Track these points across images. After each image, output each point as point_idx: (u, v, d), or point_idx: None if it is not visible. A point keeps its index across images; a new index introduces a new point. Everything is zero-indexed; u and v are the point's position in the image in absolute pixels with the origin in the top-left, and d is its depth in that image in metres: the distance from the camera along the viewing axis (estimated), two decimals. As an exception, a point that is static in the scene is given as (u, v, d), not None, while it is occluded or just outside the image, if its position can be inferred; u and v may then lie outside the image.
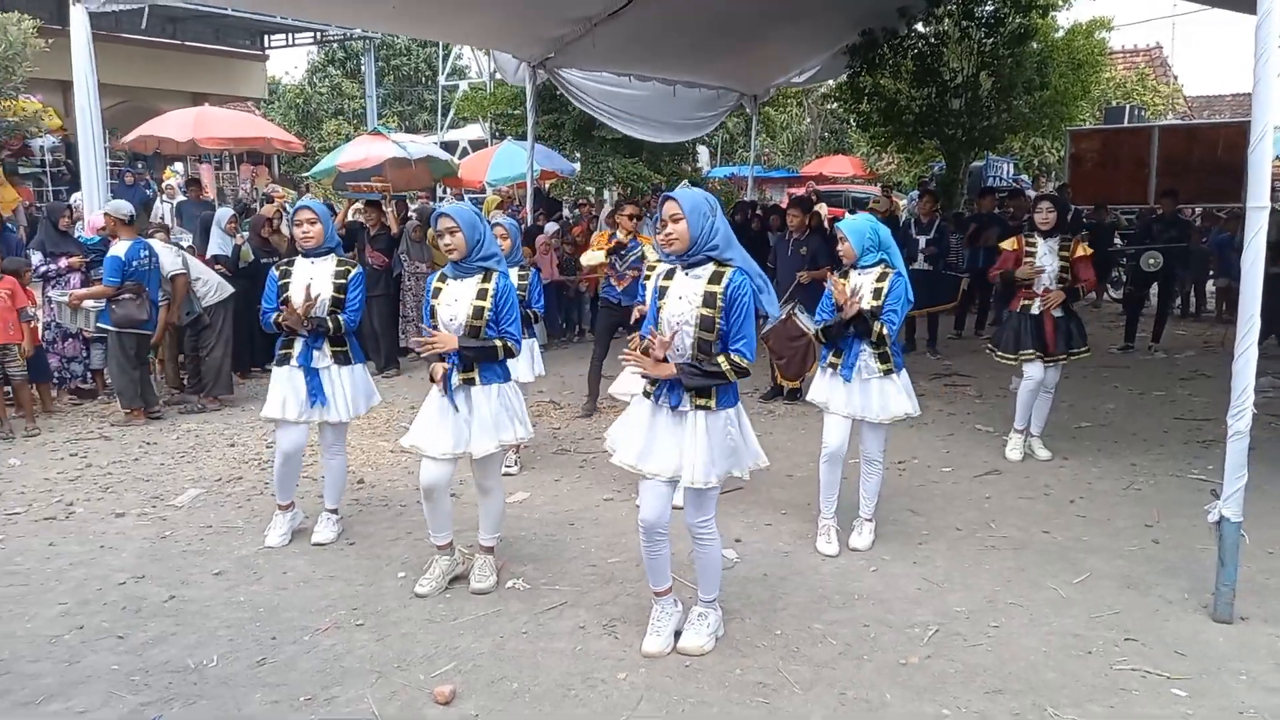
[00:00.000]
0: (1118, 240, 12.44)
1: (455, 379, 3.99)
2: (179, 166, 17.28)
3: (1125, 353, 9.84)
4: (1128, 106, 18.43)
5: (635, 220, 7.05)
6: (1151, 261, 9.56)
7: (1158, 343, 10.05)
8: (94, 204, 8.06)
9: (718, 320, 3.37)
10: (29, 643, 3.70)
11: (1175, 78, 27.15)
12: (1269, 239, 8.70)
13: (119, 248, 6.86)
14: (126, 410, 7.09)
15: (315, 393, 4.60)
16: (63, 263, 7.52)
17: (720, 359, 3.38)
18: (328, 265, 4.62)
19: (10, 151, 15.18)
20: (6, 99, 14.41)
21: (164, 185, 14.87)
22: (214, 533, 4.90)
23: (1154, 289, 10.58)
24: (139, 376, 7.12)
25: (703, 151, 20.31)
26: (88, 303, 7.08)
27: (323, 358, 4.63)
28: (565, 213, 13.97)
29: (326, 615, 3.95)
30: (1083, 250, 5.91)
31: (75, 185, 14.74)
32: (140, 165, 17.56)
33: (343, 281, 4.61)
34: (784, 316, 7.49)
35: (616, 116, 12.58)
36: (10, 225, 10.20)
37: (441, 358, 4.00)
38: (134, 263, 6.83)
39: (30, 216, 12.70)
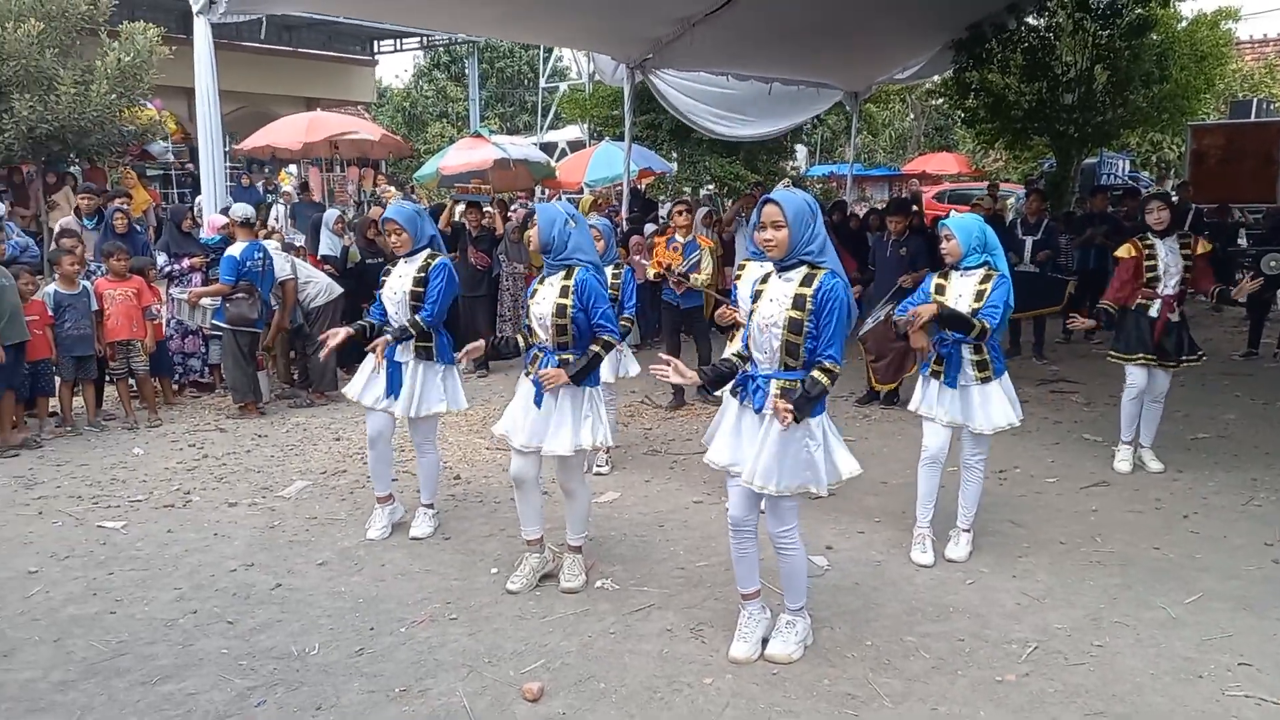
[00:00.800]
0: (1242, 240, 11.78)
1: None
2: (293, 169, 17.98)
3: (1248, 359, 9.32)
4: (1255, 100, 17.43)
5: (688, 219, 7.31)
6: (1274, 264, 9.03)
7: (1284, 349, 9.48)
8: (213, 206, 8.45)
9: (806, 323, 3.33)
10: (147, 625, 3.92)
11: (1310, 68, 25.53)
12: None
13: (235, 248, 7.21)
14: (239, 405, 7.43)
15: (392, 384, 4.72)
16: (185, 263, 7.91)
17: (817, 373, 3.32)
18: (414, 263, 4.74)
19: (133, 156, 16.03)
20: (134, 106, 15.23)
21: (280, 189, 15.51)
22: (318, 524, 5.10)
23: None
24: (251, 373, 7.45)
25: (800, 150, 20.07)
26: (204, 300, 7.47)
27: (405, 352, 4.75)
28: (662, 213, 14.01)
29: (422, 608, 4.06)
30: (1203, 247, 5.64)
31: (197, 189, 15.53)
32: (265, 169, 18.33)
33: (423, 275, 4.68)
34: (884, 318, 7.36)
35: (709, 118, 12.54)
36: (139, 226, 10.80)
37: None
38: (248, 263, 7.17)
39: (157, 218, 13.40)
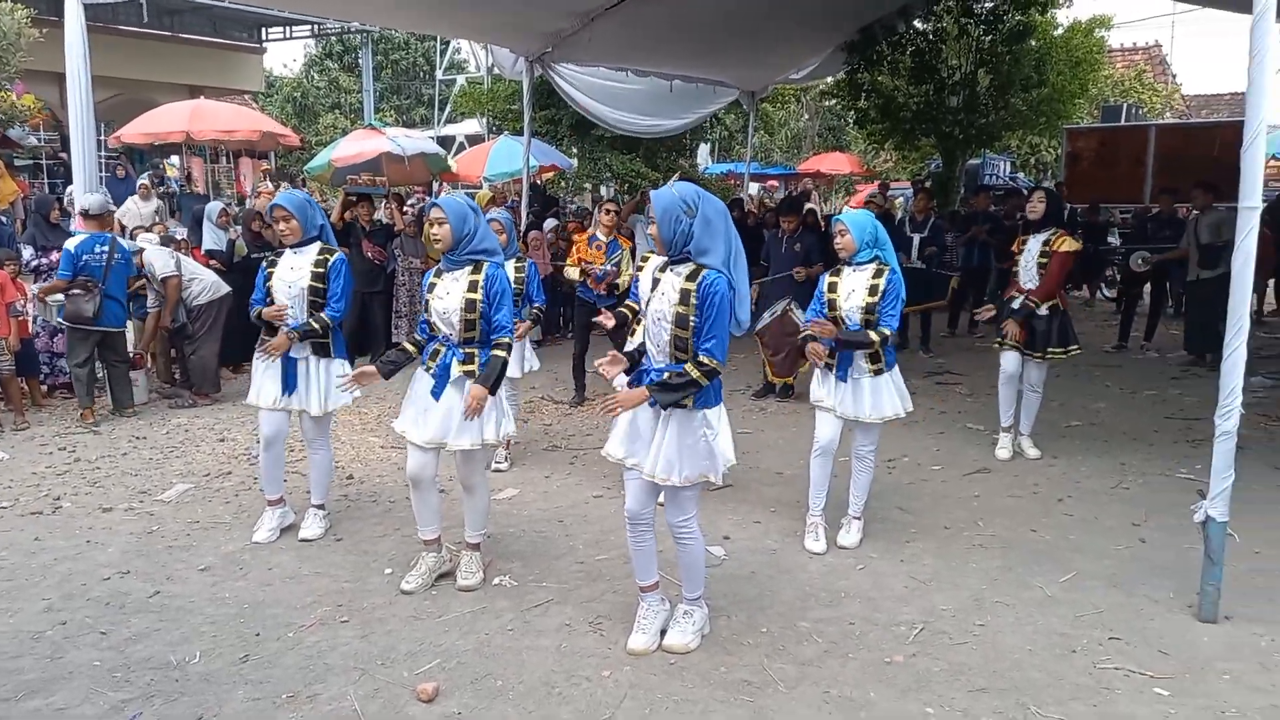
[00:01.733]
0: (1112, 239, 12.43)
1: (454, 370, 3.98)
2: (175, 160, 17.23)
3: (1118, 352, 9.83)
4: (1125, 105, 18.39)
5: (613, 219, 7.35)
6: (1140, 261, 9.55)
7: (1150, 342, 10.04)
8: (87, 198, 8.01)
9: (692, 318, 3.34)
10: (12, 638, 3.69)
11: (1174, 76, 27.14)
12: (1205, 241, 8.74)
13: (72, 241, 6.79)
14: (80, 408, 6.95)
15: (289, 381, 4.58)
16: (54, 256, 7.48)
17: (688, 367, 3.34)
18: (308, 256, 4.60)
19: None
20: (4, 91, 14.36)
21: (154, 179, 14.82)
22: (201, 528, 4.89)
23: (1147, 288, 10.57)
24: (86, 375, 6.93)
25: (702, 148, 20.25)
26: (51, 296, 7.04)
27: (301, 348, 4.61)
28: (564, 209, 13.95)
29: (311, 612, 3.94)
30: (1065, 245, 5.82)
31: (70, 179, 14.71)
32: (149, 161, 17.47)
33: (322, 270, 4.57)
34: (781, 313, 7.50)
35: (608, 113, 12.53)
36: (4, 218, 10.17)
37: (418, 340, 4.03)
38: (85, 257, 6.73)
39: (25, 210, 12.66)
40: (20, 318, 6.92)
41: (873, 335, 4.40)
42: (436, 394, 3.97)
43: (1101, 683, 3.41)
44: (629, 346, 4.26)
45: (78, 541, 4.69)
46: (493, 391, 3.98)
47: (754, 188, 20.49)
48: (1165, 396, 7.84)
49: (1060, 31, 15.24)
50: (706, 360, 3.33)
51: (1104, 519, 5.05)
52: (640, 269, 5.27)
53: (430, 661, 3.54)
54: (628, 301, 5.22)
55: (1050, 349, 5.93)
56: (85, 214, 6.95)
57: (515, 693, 3.34)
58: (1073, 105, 15.06)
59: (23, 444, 6.35)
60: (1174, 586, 4.16)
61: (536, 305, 5.79)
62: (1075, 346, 6.05)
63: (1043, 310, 5.87)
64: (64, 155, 16.50)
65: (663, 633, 3.67)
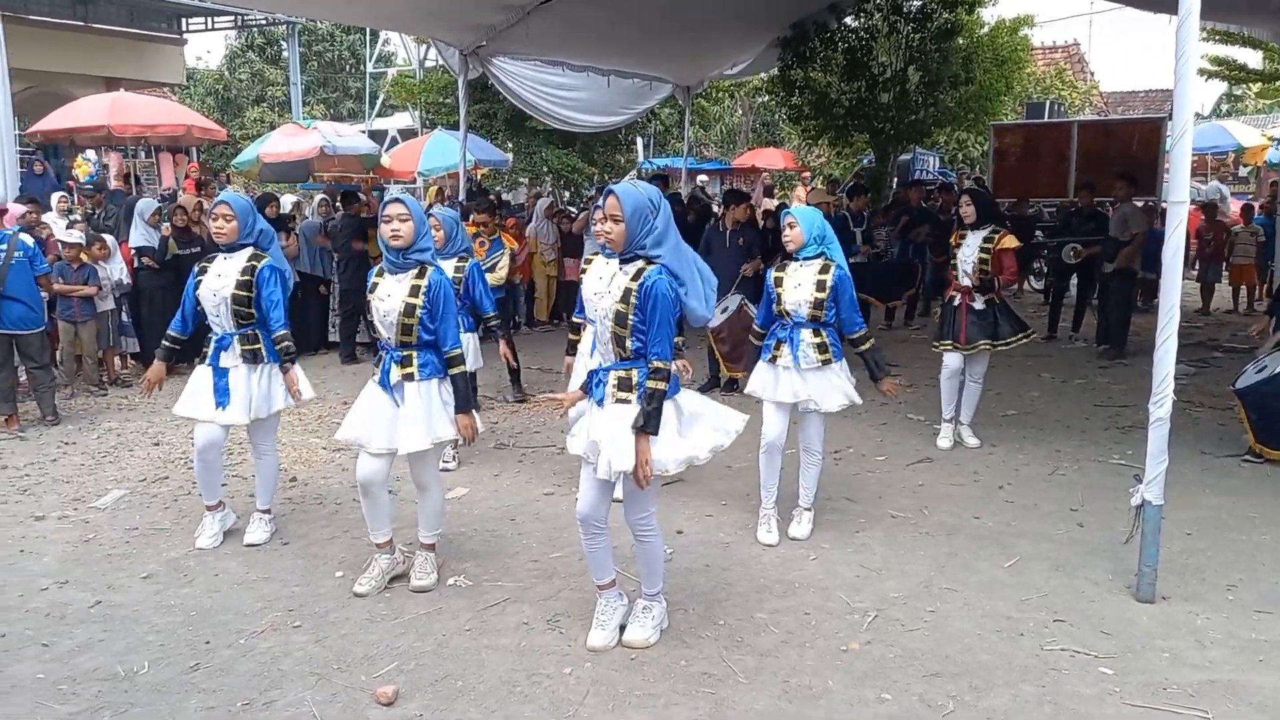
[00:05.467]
0: (1039, 233, 12.81)
1: (394, 374, 3.94)
2: (91, 155, 16.61)
3: (1048, 342, 10.14)
4: (1048, 102, 18.96)
5: (487, 218, 7.25)
6: (1072, 253, 9.86)
7: (1078, 332, 10.38)
8: (4, 194, 7.71)
9: (630, 316, 3.33)
10: (-55, 654, 3.54)
11: (1092, 74, 28.03)
12: (1112, 234, 9.08)
13: None
14: (2, 416, 6.71)
15: (220, 393, 4.45)
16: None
17: (650, 384, 3.31)
18: (238, 261, 4.49)
19: None
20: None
21: (74, 175, 14.29)
22: (140, 535, 4.75)
23: (1074, 280, 10.92)
24: (3, 380, 6.67)
25: (639, 142, 20.28)
26: None
27: (231, 357, 4.49)
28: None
29: (262, 618, 3.86)
30: (1008, 243, 6.03)
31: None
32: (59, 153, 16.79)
33: (248, 279, 4.44)
34: (737, 308, 7.52)
35: (546, 107, 12.48)
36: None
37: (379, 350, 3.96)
38: None
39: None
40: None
41: (865, 346, 4.68)
42: (393, 396, 3.95)
43: (1049, 664, 3.52)
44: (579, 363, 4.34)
45: (11, 551, 4.51)
46: (404, 364, 3.94)
47: (700, 179, 20.59)
48: (1094, 385, 8.11)
49: (986, 30, 15.63)
50: (660, 364, 3.32)
51: (1043, 504, 5.21)
52: (584, 272, 5.29)
53: (388, 664, 3.50)
54: (575, 317, 5.15)
55: (997, 340, 6.07)
56: None
57: (476, 693, 3.32)
58: (998, 102, 15.47)
59: (-57, 452, 6.09)
60: (1112, 568, 4.32)
61: (491, 313, 5.65)
62: (1022, 337, 6.18)
63: (979, 304, 6.03)
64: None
65: (622, 628, 3.68)
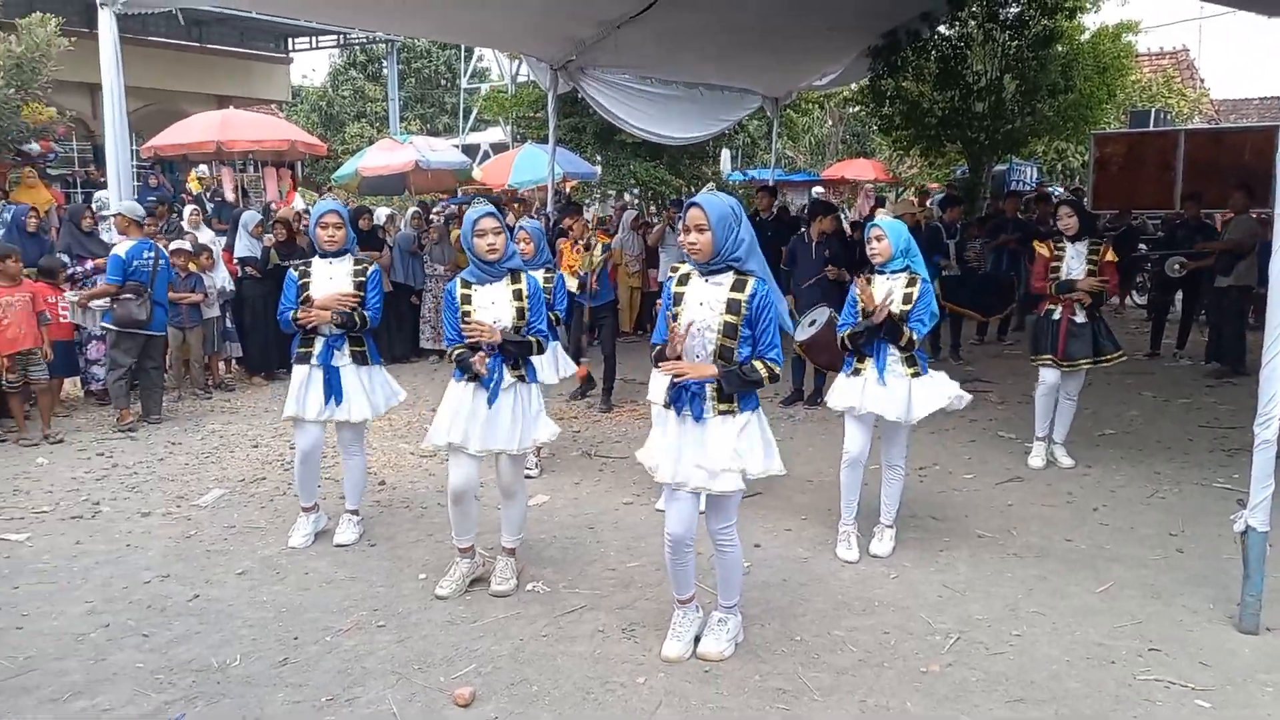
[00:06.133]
0: (1142, 246, 12.32)
1: (507, 377, 4.01)
2: (203, 169, 17.43)
3: (1150, 359, 9.74)
4: (1153, 110, 18.23)
5: (578, 220, 7.76)
6: (1177, 267, 9.46)
7: (1183, 349, 9.93)
8: (118, 206, 8.12)
9: (741, 328, 3.37)
10: (55, 640, 3.75)
11: (1202, 81, 26.83)
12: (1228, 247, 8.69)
13: (121, 247, 6.95)
14: (116, 410, 7.10)
15: (333, 391, 4.63)
16: (89, 264, 7.61)
17: (758, 364, 3.38)
18: (345, 265, 4.67)
19: (23, 157, 15.34)
20: (34, 101, 14.55)
21: (188, 190, 15.01)
22: (237, 533, 4.95)
23: (1179, 295, 10.47)
24: (128, 377, 7.09)
25: (724, 154, 20.25)
26: (94, 302, 7.14)
27: (342, 357, 4.66)
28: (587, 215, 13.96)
29: (348, 616, 3.98)
30: (1110, 255, 5.87)
31: (94, 187, 14.90)
32: (174, 170, 17.66)
33: (362, 279, 4.64)
34: (826, 321, 7.43)
35: (635, 120, 12.59)
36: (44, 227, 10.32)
37: (475, 349, 4.02)
38: (134, 262, 6.92)
39: (59, 218, 12.84)
40: (48, 325, 6.95)
41: (906, 330, 4.45)
42: (493, 401, 4.00)
43: (1142, 694, 3.38)
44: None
45: (117, 546, 4.75)
46: (515, 363, 4.03)
47: (817, 190, 20.52)
48: (1199, 404, 7.76)
49: (1087, 36, 15.13)
50: (773, 366, 3.40)
51: (1140, 528, 5.01)
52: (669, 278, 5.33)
53: (466, 666, 3.57)
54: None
55: (1098, 357, 5.87)
56: (137, 222, 7.11)
57: (551, 698, 3.36)
58: (1100, 111, 14.93)
59: (61, 450, 6.45)
60: (1213, 596, 4.12)
61: (554, 311, 5.79)
62: (1120, 354, 5.98)
63: (1080, 318, 5.84)
64: (91, 168, 16.75)
65: (697, 640, 3.67)
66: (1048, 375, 5.97)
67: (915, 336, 4.46)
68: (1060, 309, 5.88)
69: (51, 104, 15.25)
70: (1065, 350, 5.86)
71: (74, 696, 3.34)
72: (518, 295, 4.01)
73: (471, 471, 4.05)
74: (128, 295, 6.88)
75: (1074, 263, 5.87)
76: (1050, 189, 17.95)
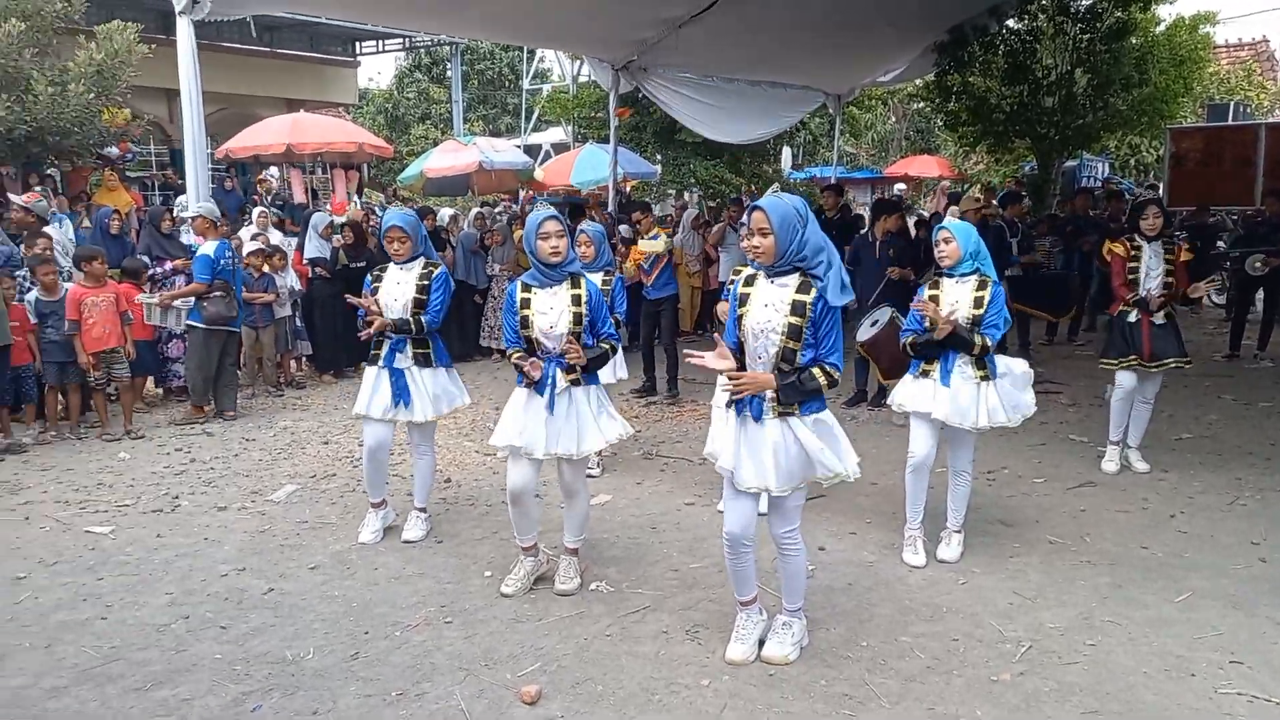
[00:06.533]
0: (1220, 243, 11.92)
1: (561, 382, 4.04)
2: (274, 171, 17.86)
3: (1229, 361, 9.42)
4: (1232, 103, 17.64)
5: (644, 217, 8.28)
6: (1258, 265, 9.13)
7: (1264, 351, 9.57)
8: (196, 208, 8.36)
9: (805, 330, 3.35)
10: (138, 630, 3.88)
11: (1284, 72, 25.88)
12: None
13: (208, 247, 7.17)
14: (194, 407, 7.33)
15: (400, 393, 4.71)
16: (168, 265, 7.85)
17: (816, 371, 3.36)
18: (414, 269, 4.74)
19: (105, 160, 15.90)
20: (113, 106, 15.05)
21: (260, 190, 15.39)
22: (310, 528, 5.07)
23: (1260, 294, 10.10)
24: (211, 374, 7.31)
25: (785, 152, 20.10)
26: (178, 301, 7.35)
27: (404, 359, 4.74)
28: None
29: (416, 612, 4.05)
30: (1186, 254, 5.71)
31: (171, 190, 15.38)
32: (245, 172, 18.14)
33: (425, 283, 4.70)
34: (888, 321, 7.35)
35: (697, 119, 12.57)
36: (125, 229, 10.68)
37: (531, 353, 4.07)
38: (221, 261, 7.14)
39: (139, 220, 13.27)
40: (131, 323, 7.19)
41: (977, 339, 4.34)
42: (553, 407, 4.02)
43: (1223, 708, 3.27)
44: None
45: (196, 539, 4.91)
46: (588, 369, 4.05)
47: (899, 188, 20.37)
48: (1282, 408, 7.49)
49: (1162, 28, 14.71)
50: (832, 371, 3.37)
51: (1220, 536, 4.85)
52: (733, 282, 5.33)
53: (532, 664, 3.60)
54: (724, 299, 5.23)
55: (1171, 360, 5.71)
56: (218, 223, 7.39)
57: (616, 698, 3.38)
58: (1176, 104, 14.51)
59: (142, 445, 6.67)
60: (1299, 609, 3.97)
61: (616, 314, 5.84)
62: (1188, 359, 5.83)
63: (1159, 320, 5.68)
64: (168, 170, 17.29)
65: (761, 643, 3.66)
66: (1124, 379, 5.82)
67: (990, 343, 4.37)
68: (1136, 311, 5.73)
69: (128, 108, 15.80)
70: (1151, 350, 5.69)
71: (156, 686, 3.46)
72: (576, 300, 4.01)
73: (528, 473, 4.09)
74: (217, 294, 7.12)
75: (1151, 262, 5.71)
76: (1119, 183, 17.47)
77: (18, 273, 7.14)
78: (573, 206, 9.39)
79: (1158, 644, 3.73)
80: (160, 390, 8.09)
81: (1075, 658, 3.63)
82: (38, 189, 11.02)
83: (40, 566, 4.53)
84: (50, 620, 3.97)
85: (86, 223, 12.35)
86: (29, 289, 6.93)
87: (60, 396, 6.90)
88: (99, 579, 4.39)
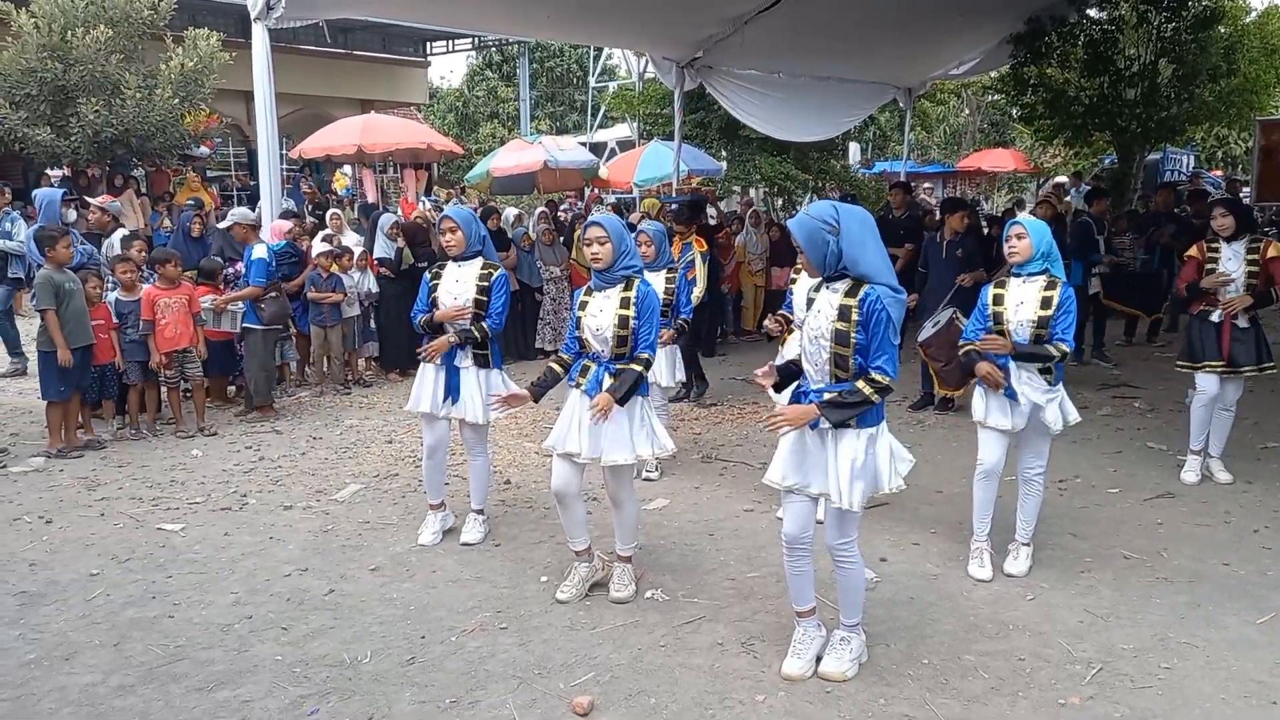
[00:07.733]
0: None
1: (606, 384, 4.00)
2: (348, 170, 18.22)
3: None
4: (1330, 92, 16.79)
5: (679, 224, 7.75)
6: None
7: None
8: (273, 210, 8.56)
9: (853, 335, 3.26)
10: (204, 629, 3.97)
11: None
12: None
13: (260, 249, 7.31)
14: (258, 407, 7.48)
15: (452, 390, 4.74)
16: (240, 266, 8.03)
17: (860, 385, 3.26)
18: (473, 269, 4.76)
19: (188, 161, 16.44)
20: (197, 110, 15.54)
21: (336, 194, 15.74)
22: (371, 528, 5.14)
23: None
24: (274, 373, 7.55)
25: (853, 148, 19.79)
26: (231, 305, 7.48)
27: (465, 358, 4.77)
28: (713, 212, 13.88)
29: (472, 616, 4.06)
30: (1275, 251, 5.42)
31: (245, 192, 15.80)
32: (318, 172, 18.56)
33: (485, 284, 4.72)
34: (946, 322, 7.19)
35: (763, 118, 12.43)
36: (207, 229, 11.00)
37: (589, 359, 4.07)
38: (275, 263, 7.30)
39: (216, 220, 13.67)
40: (204, 325, 7.34)
41: (1052, 349, 4.20)
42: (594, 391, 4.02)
43: (1309, 741, 3.11)
44: (780, 359, 4.21)
45: (262, 538, 5.01)
46: (622, 402, 3.96)
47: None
48: (1379, 416, 7.09)
49: (1253, 17, 14.09)
50: (879, 378, 3.26)
51: (1308, 554, 4.61)
52: (794, 282, 5.26)
53: (585, 674, 3.59)
54: (781, 312, 5.17)
55: (1261, 364, 5.46)
56: (256, 226, 7.58)
57: (669, 711, 3.34)
58: (1267, 95, 13.89)
59: (213, 442, 6.85)
60: (1395, 635, 3.75)
61: (683, 316, 5.84)
62: (1273, 363, 5.57)
63: (1242, 323, 5.42)
64: (241, 175, 17.79)
65: (818, 659, 3.58)
66: (1206, 384, 5.57)
67: (1068, 349, 4.22)
68: (1219, 312, 5.48)
69: (214, 110, 16.32)
70: (1230, 355, 5.44)
71: (218, 686, 3.53)
72: (624, 304, 3.98)
73: (569, 474, 4.09)
74: (273, 294, 7.28)
75: (1230, 264, 5.45)
76: (1205, 176, 16.79)
77: (104, 271, 7.40)
78: (693, 204, 9.18)
79: (1238, 668, 3.56)
80: (234, 388, 8.28)
81: (1149, 682, 3.48)
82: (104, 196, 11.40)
83: (114, 563, 4.67)
84: (121, 617, 4.08)
85: (168, 223, 12.79)
86: (114, 288, 7.16)
87: (140, 394, 7.11)
88: (168, 576, 4.51)
